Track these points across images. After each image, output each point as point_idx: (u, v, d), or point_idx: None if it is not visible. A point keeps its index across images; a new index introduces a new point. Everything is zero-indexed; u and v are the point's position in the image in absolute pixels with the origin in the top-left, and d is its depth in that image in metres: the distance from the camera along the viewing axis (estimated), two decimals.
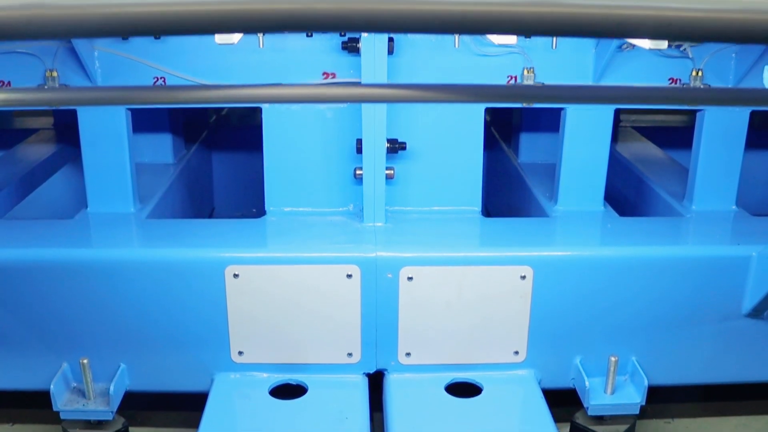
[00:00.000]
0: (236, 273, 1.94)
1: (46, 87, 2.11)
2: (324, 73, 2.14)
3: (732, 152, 2.27)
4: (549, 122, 2.73)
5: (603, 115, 2.22)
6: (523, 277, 1.97)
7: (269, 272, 1.95)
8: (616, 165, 2.76)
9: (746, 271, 2.01)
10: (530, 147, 2.84)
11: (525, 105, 2.49)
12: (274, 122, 2.20)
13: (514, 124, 2.94)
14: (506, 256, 1.98)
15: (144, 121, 2.58)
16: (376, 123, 2.03)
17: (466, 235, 2.15)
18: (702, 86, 2.21)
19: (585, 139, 2.24)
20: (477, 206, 2.27)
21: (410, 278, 1.96)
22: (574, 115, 2.21)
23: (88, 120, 2.16)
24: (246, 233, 2.13)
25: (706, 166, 2.29)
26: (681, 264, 2.01)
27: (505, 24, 0.77)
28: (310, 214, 2.23)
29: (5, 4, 0.72)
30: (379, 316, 2.00)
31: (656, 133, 3.21)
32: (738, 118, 2.24)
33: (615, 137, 3.01)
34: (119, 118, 2.16)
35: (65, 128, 3.09)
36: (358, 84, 1.93)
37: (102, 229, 2.14)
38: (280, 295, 1.97)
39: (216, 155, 3.37)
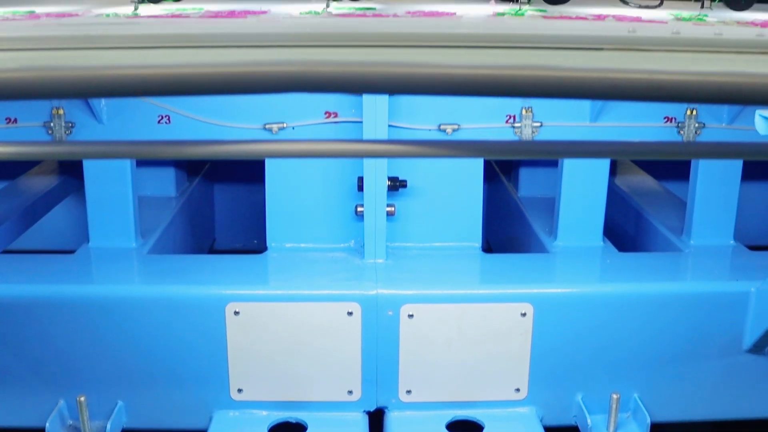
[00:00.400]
0: (237, 310, 1.94)
1: (54, 137, 2.12)
2: (326, 113, 2.17)
3: (729, 186, 2.30)
4: None
5: None
6: (524, 315, 1.98)
7: (270, 310, 1.95)
8: (615, 198, 2.77)
9: (746, 307, 2.01)
10: (530, 181, 2.86)
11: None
12: (276, 159, 2.23)
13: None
14: (506, 294, 1.99)
15: None
16: (377, 161, 2.06)
17: (466, 272, 2.16)
18: (696, 124, 2.24)
19: (584, 175, 2.26)
20: (477, 242, 2.28)
21: (411, 316, 1.96)
22: None
23: None
24: (247, 270, 2.13)
25: (704, 201, 2.31)
26: (680, 300, 2.01)
27: (504, 88, 0.79)
28: (312, 250, 2.24)
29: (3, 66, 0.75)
30: (380, 353, 1.99)
31: (654, 166, 3.24)
32: None
33: (613, 170, 3.04)
34: None
35: (68, 160, 3.11)
36: (360, 140, 1.96)
37: (103, 265, 2.15)
38: (280, 332, 1.97)
39: (218, 187, 3.39)
